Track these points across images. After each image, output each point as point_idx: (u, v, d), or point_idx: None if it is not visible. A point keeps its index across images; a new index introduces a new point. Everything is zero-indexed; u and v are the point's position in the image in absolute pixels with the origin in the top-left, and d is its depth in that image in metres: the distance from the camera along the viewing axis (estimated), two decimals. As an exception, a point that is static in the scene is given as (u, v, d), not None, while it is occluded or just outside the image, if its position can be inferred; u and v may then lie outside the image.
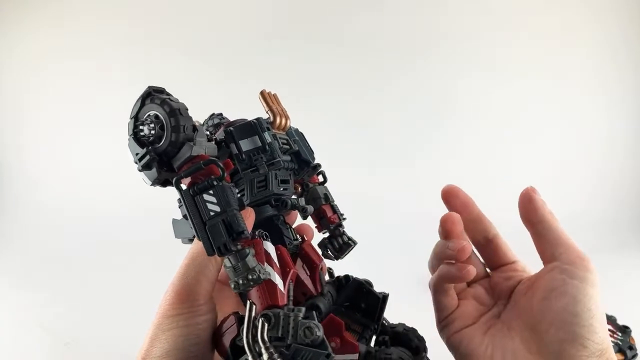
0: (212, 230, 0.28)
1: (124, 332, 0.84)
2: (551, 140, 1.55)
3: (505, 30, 1.53)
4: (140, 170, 0.32)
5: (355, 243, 0.43)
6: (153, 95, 0.32)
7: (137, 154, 0.31)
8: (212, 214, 0.29)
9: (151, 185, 0.33)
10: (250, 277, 0.28)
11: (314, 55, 1.52)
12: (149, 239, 1.30)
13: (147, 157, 0.31)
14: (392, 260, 0.98)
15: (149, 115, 0.32)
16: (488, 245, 0.43)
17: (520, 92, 1.54)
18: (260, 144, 0.35)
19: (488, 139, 1.53)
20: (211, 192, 0.29)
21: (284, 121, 0.39)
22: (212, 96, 1.53)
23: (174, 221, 0.41)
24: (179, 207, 0.37)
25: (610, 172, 1.54)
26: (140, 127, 0.31)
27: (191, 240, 0.38)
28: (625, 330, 0.78)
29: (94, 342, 0.81)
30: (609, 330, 0.79)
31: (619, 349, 0.73)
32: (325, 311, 0.35)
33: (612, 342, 0.75)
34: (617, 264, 1.14)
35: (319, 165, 0.42)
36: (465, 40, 1.53)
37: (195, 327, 0.32)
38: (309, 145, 0.42)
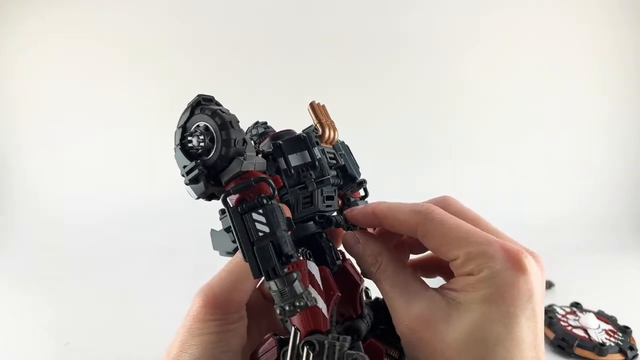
0: (260, 253, 0.27)
1: (124, 332, 0.84)
2: (551, 140, 1.55)
3: (506, 30, 1.53)
4: (187, 184, 0.31)
5: None
6: (203, 104, 0.31)
7: (184, 167, 0.30)
8: (260, 234, 0.27)
9: (196, 199, 0.32)
10: (297, 303, 0.27)
11: (316, 57, 1.52)
12: (149, 240, 1.31)
13: (196, 171, 0.29)
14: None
15: (198, 126, 0.30)
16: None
17: (521, 90, 1.54)
18: (310, 160, 0.34)
19: (489, 138, 1.53)
20: (261, 211, 0.28)
21: (332, 134, 0.37)
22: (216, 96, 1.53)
23: (213, 232, 0.38)
24: (221, 219, 0.36)
25: (610, 171, 1.54)
26: (189, 138, 0.30)
27: (230, 254, 0.37)
28: (625, 330, 0.78)
29: (94, 342, 0.81)
30: (610, 330, 0.79)
31: (620, 350, 0.73)
32: (364, 334, 0.34)
33: (613, 342, 0.75)
34: (617, 264, 1.14)
35: (364, 181, 0.41)
36: (468, 40, 1.53)
37: (226, 334, 0.31)
38: (354, 159, 0.41)
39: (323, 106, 0.39)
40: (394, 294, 0.31)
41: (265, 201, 0.28)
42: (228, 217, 0.28)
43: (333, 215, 0.37)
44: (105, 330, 0.85)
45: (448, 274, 0.35)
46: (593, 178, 1.52)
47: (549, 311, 0.83)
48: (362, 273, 0.36)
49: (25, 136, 1.62)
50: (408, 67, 1.53)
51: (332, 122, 0.38)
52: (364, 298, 0.39)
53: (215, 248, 0.38)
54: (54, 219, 1.45)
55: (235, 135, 0.29)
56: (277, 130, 0.38)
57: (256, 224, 0.28)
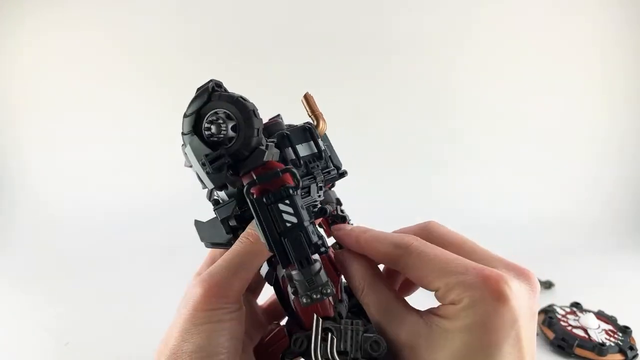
0: (292, 243, 0.27)
1: (124, 332, 0.84)
2: (550, 140, 1.54)
3: (502, 30, 1.53)
4: (208, 173, 0.29)
5: None
6: (218, 90, 0.30)
7: (206, 155, 0.29)
8: (288, 225, 0.27)
9: (212, 189, 0.31)
10: (324, 291, 0.28)
11: (316, 57, 1.52)
12: (149, 240, 1.31)
13: (222, 159, 0.28)
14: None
15: (216, 112, 0.29)
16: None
17: (518, 89, 1.54)
18: (317, 151, 0.34)
19: (488, 138, 1.53)
20: (287, 202, 0.28)
21: (325, 126, 0.37)
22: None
23: (198, 223, 0.37)
24: (214, 210, 0.34)
25: (609, 172, 1.54)
26: (207, 125, 0.29)
27: (215, 245, 0.36)
28: (625, 330, 0.78)
29: (94, 342, 0.81)
30: (610, 330, 0.79)
31: (620, 350, 0.73)
32: (345, 316, 0.35)
33: (613, 342, 0.75)
34: (617, 264, 1.14)
35: (345, 172, 0.40)
36: (462, 40, 1.53)
37: (230, 322, 0.31)
38: (335, 153, 0.40)
39: (312, 97, 0.38)
40: (379, 318, 0.31)
41: (291, 192, 0.28)
42: (251, 207, 0.28)
43: (326, 206, 0.37)
44: (105, 330, 0.86)
45: None
46: (594, 178, 1.52)
47: (549, 311, 0.83)
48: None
49: (26, 136, 1.62)
50: (406, 67, 1.53)
51: (321, 113, 0.38)
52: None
53: (202, 240, 0.37)
54: (54, 219, 1.45)
55: (258, 124, 0.29)
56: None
57: (283, 214, 0.28)
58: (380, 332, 0.31)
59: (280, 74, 1.50)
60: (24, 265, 1.22)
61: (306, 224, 0.28)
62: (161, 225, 1.35)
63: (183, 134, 0.30)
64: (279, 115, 0.37)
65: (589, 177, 1.52)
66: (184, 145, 0.31)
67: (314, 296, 0.28)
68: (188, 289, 0.33)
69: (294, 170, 0.29)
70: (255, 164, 0.29)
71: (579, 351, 0.74)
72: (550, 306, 0.85)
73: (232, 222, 0.33)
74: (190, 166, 0.31)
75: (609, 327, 0.80)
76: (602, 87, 1.55)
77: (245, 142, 0.28)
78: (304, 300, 0.28)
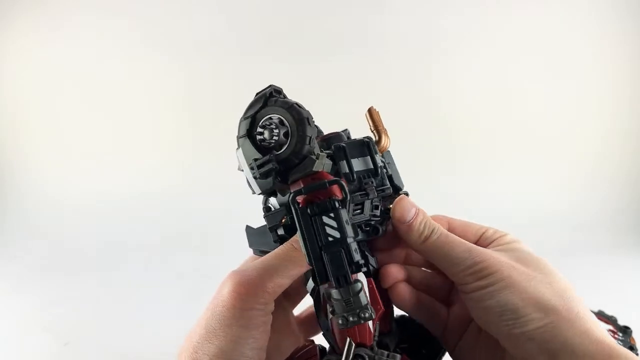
0: (332, 258, 0.26)
1: (124, 332, 0.84)
2: (550, 140, 1.54)
3: (501, 30, 1.53)
4: (255, 178, 0.29)
5: None
6: (275, 96, 0.29)
7: (255, 160, 0.28)
8: (330, 239, 0.26)
9: (258, 194, 0.30)
10: (362, 315, 0.26)
11: (317, 57, 1.52)
12: (149, 240, 1.31)
13: (270, 165, 0.28)
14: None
15: (270, 118, 0.29)
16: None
17: (516, 88, 1.54)
18: (372, 167, 0.32)
19: (487, 138, 1.53)
20: (332, 215, 0.26)
21: (388, 142, 0.36)
22: (213, 95, 1.53)
23: (248, 229, 0.36)
24: (265, 217, 0.33)
25: (609, 172, 1.54)
26: (260, 130, 0.28)
27: (262, 252, 0.35)
28: (625, 330, 0.78)
29: (94, 342, 0.81)
30: (610, 330, 0.78)
31: (620, 350, 0.73)
32: (393, 350, 0.33)
33: (613, 342, 0.75)
34: (617, 264, 1.14)
35: (406, 194, 0.39)
36: (467, 42, 1.53)
37: (256, 330, 0.29)
38: (396, 170, 0.39)
39: (378, 112, 0.37)
40: (458, 239, 0.33)
41: (337, 204, 0.27)
42: (295, 217, 0.27)
43: (379, 225, 0.35)
44: (105, 330, 0.86)
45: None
46: (594, 178, 1.52)
47: (549, 311, 0.83)
48: (413, 238, 0.34)
49: (27, 135, 1.63)
50: (406, 66, 1.53)
51: (386, 129, 0.37)
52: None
53: (250, 245, 0.36)
54: (54, 219, 1.45)
55: (311, 132, 0.28)
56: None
57: (326, 227, 0.26)
58: (470, 251, 0.31)
59: (289, 73, 1.49)
60: (24, 265, 1.22)
61: (349, 240, 0.26)
62: (162, 226, 1.36)
63: (238, 137, 0.30)
64: (346, 129, 0.36)
65: (589, 177, 1.52)
66: (237, 148, 0.30)
67: (350, 318, 0.26)
68: (220, 285, 0.31)
69: (343, 183, 0.28)
70: (304, 173, 0.28)
71: (579, 351, 0.73)
72: (551, 306, 0.85)
73: (281, 231, 0.32)
74: (242, 170, 0.30)
75: (608, 327, 0.80)
76: (602, 89, 1.55)
77: (295, 149, 0.28)
78: (340, 322, 0.27)
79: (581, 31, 1.52)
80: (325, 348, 0.31)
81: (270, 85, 0.30)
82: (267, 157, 0.28)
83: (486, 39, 1.53)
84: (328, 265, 0.26)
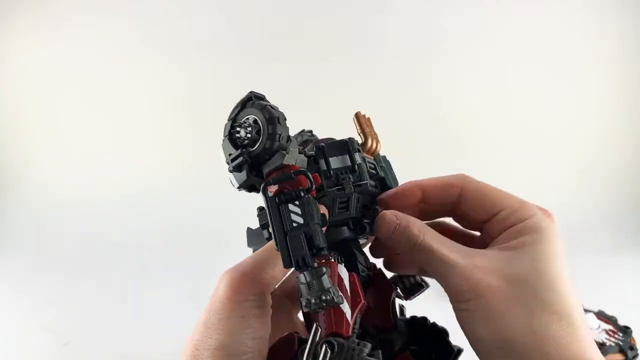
0: (292, 242, 0.28)
1: (124, 332, 0.84)
2: (550, 140, 1.55)
3: (505, 29, 1.53)
4: (230, 171, 0.32)
5: (427, 285, 0.40)
6: (253, 100, 0.32)
7: (230, 155, 0.32)
8: (294, 225, 0.28)
9: (238, 188, 0.33)
10: (324, 297, 0.27)
11: (317, 57, 1.52)
12: (149, 240, 1.31)
13: (240, 158, 0.31)
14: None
15: (247, 118, 0.32)
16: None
17: (517, 87, 1.54)
18: (350, 164, 0.35)
19: (487, 138, 1.53)
20: (297, 202, 0.29)
21: (374, 145, 0.38)
22: (214, 95, 1.53)
23: (249, 230, 0.39)
24: (258, 216, 0.37)
25: (612, 172, 1.54)
26: (237, 129, 0.32)
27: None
28: (626, 330, 0.78)
29: (94, 342, 0.82)
30: (610, 330, 0.79)
31: (620, 349, 0.73)
32: (398, 348, 0.34)
33: (613, 342, 0.75)
34: (617, 264, 1.14)
35: None
36: (464, 39, 1.53)
37: (255, 319, 0.30)
38: (394, 175, 0.41)
39: (368, 118, 0.39)
40: (445, 252, 0.31)
41: (302, 194, 0.29)
42: (265, 206, 0.29)
43: (367, 223, 0.37)
44: (105, 330, 0.86)
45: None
46: (595, 178, 1.52)
47: (549, 311, 0.83)
48: (400, 249, 0.34)
49: (27, 135, 1.63)
50: (406, 66, 1.53)
51: (375, 134, 0.39)
52: (397, 312, 0.38)
53: (249, 245, 0.39)
54: (54, 218, 1.45)
55: (281, 130, 0.31)
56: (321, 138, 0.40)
57: (291, 214, 0.28)
58: (445, 268, 0.31)
59: (288, 75, 1.49)
60: (24, 266, 1.22)
61: (312, 226, 0.28)
62: (162, 225, 1.36)
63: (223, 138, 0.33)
64: (350, 138, 0.38)
65: (589, 177, 1.52)
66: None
67: (313, 300, 0.27)
68: (216, 283, 0.32)
69: (308, 173, 0.30)
70: (275, 166, 0.31)
71: (579, 351, 0.73)
72: (551, 306, 0.85)
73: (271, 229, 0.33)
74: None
75: (609, 327, 0.80)
76: (602, 88, 1.55)
77: (266, 145, 0.30)
78: (303, 304, 0.28)
79: (581, 31, 1.52)
80: (303, 338, 0.31)
81: (250, 92, 0.33)
82: (238, 152, 0.31)
83: (485, 39, 1.53)
84: (290, 249, 0.27)
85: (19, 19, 1.57)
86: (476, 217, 0.35)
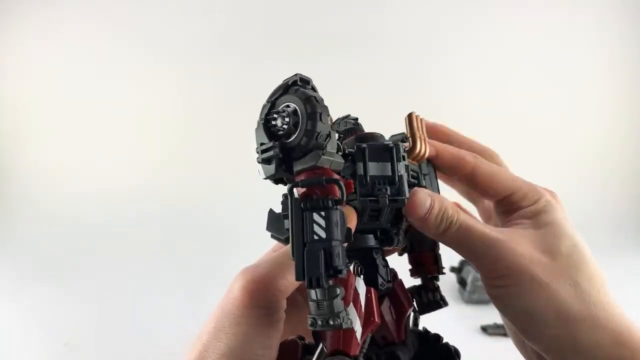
0: (309, 257, 0.25)
1: (124, 332, 0.84)
2: (551, 140, 1.55)
3: (506, 29, 1.53)
4: (259, 162, 0.29)
5: (446, 304, 0.39)
6: (298, 85, 0.29)
7: (261, 144, 0.29)
8: (315, 237, 0.26)
9: (264, 179, 0.30)
10: (331, 322, 0.25)
11: (317, 57, 1.52)
12: (149, 240, 1.31)
13: (271, 152, 0.28)
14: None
15: (287, 106, 0.29)
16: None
17: (520, 87, 1.54)
18: (390, 174, 0.31)
19: (487, 138, 1.53)
20: (323, 213, 0.26)
21: (423, 151, 0.35)
22: (216, 95, 1.53)
23: (272, 213, 0.36)
24: (282, 203, 0.34)
25: (610, 172, 1.54)
26: (274, 116, 0.28)
27: (274, 237, 0.35)
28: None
29: (94, 342, 0.82)
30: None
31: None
32: None
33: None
34: (617, 264, 1.14)
35: None
36: (465, 38, 1.53)
37: (267, 328, 0.28)
38: (437, 184, 0.38)
39: (422, 120, 0.36)
40: (483, 229, 0.32)
41: (330, 204, 0.26)
42: (289, 208, 0.27)
43: (395, 234, 0.34)
44: (105, 330, 0.86)
45: None
46: (594, 178, 1.52)
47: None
48: (432, 230, 0.33)
49: (29, 134, 1.63)
50: (407, 65, 1.53)
51: (426, 137, 0.36)
52: (410, 325, 0.37)
53: (267, 229, 0.36)
54: (54, 219, 1.45)
55: (321, 128, 0.28)
56: (367, 129, 0.37)
57: (314, 225, 0.26)
58: (495, 244, 0.31)
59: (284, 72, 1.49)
60: (24, 266, 1.22)
61: (334, 243, 0.26)
62: (162, 226, 1.36)
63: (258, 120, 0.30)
64: (403, 133, 0.36)
65: (589, 177, 1.52)
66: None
67: (319, 322, 0.26)
68: (231, 282, 0.30)
69: (341, 182, 0.27)
70: (307, 166, 0.28)
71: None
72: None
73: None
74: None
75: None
76: (602, 89, 1.55)
77: (302, 142, 0.27)
78: (309, 322, 0.26)
79: (582, 31, 1.52)
80: (308, 344, 0.30)
81: (296, 74, 0.30)
82: (270, 144, 0.28)
83: (485, 39, 1.53)
84: (306, 264, 0.25)
85: (19, 25, 1.57)
86: (486, 196, 0.37)
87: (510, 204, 0.35)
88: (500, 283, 0.31)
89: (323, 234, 0.26)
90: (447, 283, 1.02)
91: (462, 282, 0.99)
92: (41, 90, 1.61)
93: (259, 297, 0.28)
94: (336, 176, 0.29)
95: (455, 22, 1.52)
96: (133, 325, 0.86)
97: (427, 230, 0.33)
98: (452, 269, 1.01)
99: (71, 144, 1.60)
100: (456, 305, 0.96)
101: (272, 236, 0.36)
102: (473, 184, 0.36)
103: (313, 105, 0.28)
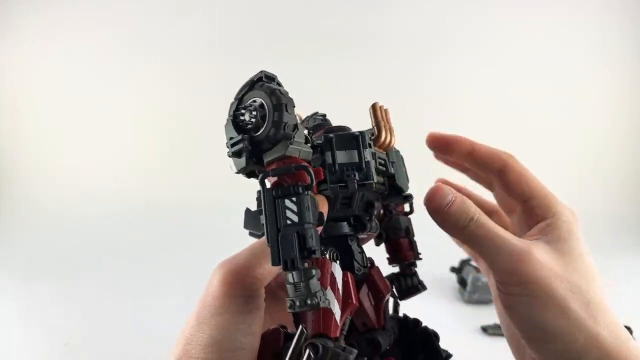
0: (283, 241, 0.26)
1: (124, 332, 0.84)
2: (551, 140, 1.55)
3: (507, 29, 1.53)
4: (229, 156, 0.30)
5: (424, 288, 0.40)
6: (263, 81, 0.30)
7: (231, 138, 0.30)
8: (288, 222, 0.27)
9: (236, 173, 0.31)
10: (308, 301, 0.26)
11: (318, 57, 1.52)
12: (149, 239, 1.31)
13: (240, 144, 0.29)
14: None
15: (254, 101, 0.30)
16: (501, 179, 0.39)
17: (519, 86, 1.54)
18: (357, 161, 0.32)
19: (487, 138, 1.53)
20: (294, 199, 0.27)
21: (389, 139, 0.36)
22: (214, 94, 1.53)
23: (248, 212, 0.37)
24: (257, 199, 0.35)
25: (610, 172, 1.54)
26: (242, 111, 0.30)
27: (252, 234, 0.36)
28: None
29: (94, 342, 0.82)
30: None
31: (620, 349, 0.73)
32: (384, 349, 0.33)
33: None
34: (617, 265, 1.14)
35: (410, 196, 0.39)
36: (466, 39, 1.53)
37: (248, 315, 0.29)
38: (406, 172, 0.39)
39: (386, 110, 0.37)
40: (503, 233, 0.32)
41: (300, 190, 0.27)
42: (261, 197, 0.28)
43: (368, 221, 0.35)
44: (105, 330, 0.86)
45: None
46: (595, 178, 1.52)
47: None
48: (450, 225, 0.33)
49: (29, 134, 1.63)
50: (405, 64, 1.53)
51: (391, 127, 0.37)
52: (390, 311, 0.37)
53: (245, 227, 0.37)
54: (54, 219, 1.46)
55: (287, 119, 0.29)
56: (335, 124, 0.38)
57: (287, 211, 0.27)
58: (513, 250, 0.31)
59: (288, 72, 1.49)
60: (24, 265, 1.22)
61: (307, 225, 0.27)
62: (162, 226, 1.36)
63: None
64: (362, 132, 0.36)
65: (590, 177, 1.52)
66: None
67: (297, 303, 0.27)
68: (210, 275, 0.31)
69: (310, 169, 0.28)
70: (276, 156, 0.29)
71: (579, 351, 0.73)
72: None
73: None
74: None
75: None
76: (603, 88, 1.55)
77: (269, 133, 0.28)
78: (287, 305, 0.27)
79: (582, 32, 1.52)
80: (289, 333, 0.31)
81: (261, 71, 0.31)
82: (239, 137, 0.29)
83: (484, 39, 1.53)
84: (280, 248, 0.26)
85: (19, 29, 1.57)
86: (511, 194, 0.38)
87: (532, 210, 0.36)
88: (516, 291, 0.31)
89: (295, 218, 0.27)
90: (447, 283, 1.02)
91: (462, 282, 0.99)
92: (41, 91, 1.61)
93: (238, 287, 0.29)
94: (305, 164, 0.29)
95: (455, 22, 1.52)
96: (133, 326, 0.86)
97: (446, 224, 0.33)
98: (452, 269, 1.01)
99: (71, 144, 1.60)
100: (456, 305, 0.96)
101: (250, 234, 0.37)
102: (504, 181, 0.37)
103: (278, 97, 0.29)
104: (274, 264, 0.27)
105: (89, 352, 0.79)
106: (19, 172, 1.62)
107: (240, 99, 0.31)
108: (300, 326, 0.29)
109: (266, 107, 0.29)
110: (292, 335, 0.29)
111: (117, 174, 1.56)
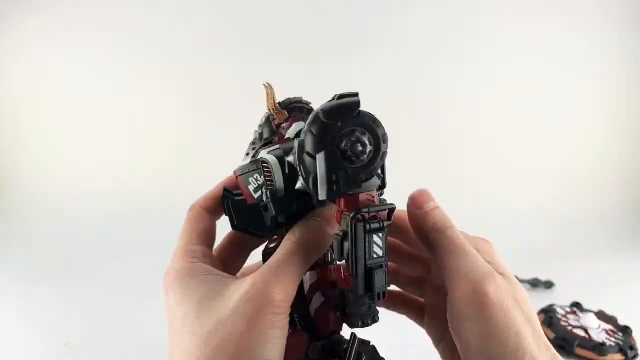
0: (377, 275, 0.28)
1: (124, 332, 0.84)
2: (552, 140, 1.54)
3: (501, 30, 1.53)
4: (340, 193, 0.29)
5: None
6: (367, 118, 0.29)
7: (330, 164, 0.27)
8: (374, 256, 0.28)
9: (323, 200, 0.29)
10: (376, 318, 0.30)
11: (318, 57, 1.52)
12: (150, 240, 1.30)
13: (341, 172, 0.27)
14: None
15: (363, 131, 0.28)
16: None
17: (515, 85, 1.54)
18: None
19: (487, 138, 1.53)
20: (381, 235, 0.29)
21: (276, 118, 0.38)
22: (216, 95, 1.53)
23: (237, 206, 0.36)
24: (269, 200, 0.32)
25: (610, 172, 1.54)
26: (352, 141, 0.27)
27: (244, 231, 0.35)
28: (626, 330, 0.78)
29: (94, 342, 0.81)
30: (610, 330, 0.79)
31: (620, 349, 0.73)
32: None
33: (613, 342, 0.75)
34: (617, 264, 1.14)
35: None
36: (466, 39, 1.53)
37: (277, 332, 0.27)
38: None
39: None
40: (473, 250, 0.32)
41: (384, 226, 0.29)
42: (350, 231, 0.28)
43: None
44: (105, 330, 0.86)
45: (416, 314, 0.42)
46: (595, 178, 1.52)
47: (550, 311, 0.83)
48: (425, 228, 0.34)
49: (29, 134, 1.63)
50: (405, 64, 1.53)
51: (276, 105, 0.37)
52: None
53: (237, 225, 0.36)
54: (54, 219, 1.46)
55: (385, 148, 0.29)
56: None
57: (374, 246, 0.29)
58: (477, 268, 0.31)
59: (286, 72, 1.49)
60: (24, 265, 1.22)
61: (387, 260, 0.29)
62: (162, 225, 1.35)
63: (309, 132, 0.28)
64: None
65: (590, 177, 1.52)
66: (298, 138, 0.29)
67: (367, 322, 0.30)
68: (252, 283, 0.28)
69: (394, 207, 0.30)
70: (368, 190, 0.29)
71: (579, 351, 0.74)
72: (551, 306, 0.85)
73: (282, 219, 0.32)
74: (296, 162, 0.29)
75: (609, 327, 0.80)
76: (602, 87, 1.55)
77: (369, 167, 0.28)
78: (359, 324, 0.30)
79: (583, 32, 1.52)
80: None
81: (357, 93, 0.29)
82: (353, 166, 0.27)
83: (485, 39, 1.53)
84: (375, 281, 0.28)
85: (19, 22, 1.57)
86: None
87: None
88: (472, 309, 0.30)
89: (381, 253, 0.29)
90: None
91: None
92: (41, 90, 1.61)
93: (270, 313, 0.27)
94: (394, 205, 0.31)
95: (454, 22, 1.52)
96: (133, 326, 0.86)
97: (427, 223, 0.34)
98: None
99: (71, 144, 1.60)
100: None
101: (243, 231, 0.36)
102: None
103: (382, 128, 0.29)
104: (359, 294, 0.28)
105: (89, 352, 0.79)
106: (19, 172, 1.62)
107: (340, 124, 0.28)
108: (352, 333, 0.32)
109: (373, 140, 0.28)
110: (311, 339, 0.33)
111: (117, 174, 1.56)
